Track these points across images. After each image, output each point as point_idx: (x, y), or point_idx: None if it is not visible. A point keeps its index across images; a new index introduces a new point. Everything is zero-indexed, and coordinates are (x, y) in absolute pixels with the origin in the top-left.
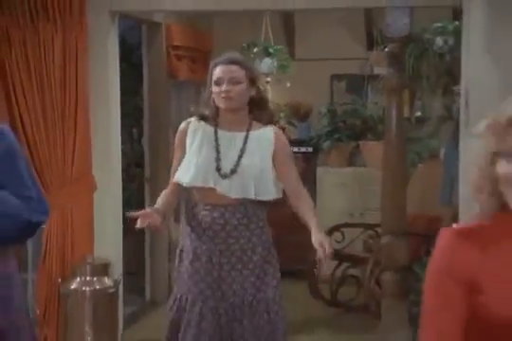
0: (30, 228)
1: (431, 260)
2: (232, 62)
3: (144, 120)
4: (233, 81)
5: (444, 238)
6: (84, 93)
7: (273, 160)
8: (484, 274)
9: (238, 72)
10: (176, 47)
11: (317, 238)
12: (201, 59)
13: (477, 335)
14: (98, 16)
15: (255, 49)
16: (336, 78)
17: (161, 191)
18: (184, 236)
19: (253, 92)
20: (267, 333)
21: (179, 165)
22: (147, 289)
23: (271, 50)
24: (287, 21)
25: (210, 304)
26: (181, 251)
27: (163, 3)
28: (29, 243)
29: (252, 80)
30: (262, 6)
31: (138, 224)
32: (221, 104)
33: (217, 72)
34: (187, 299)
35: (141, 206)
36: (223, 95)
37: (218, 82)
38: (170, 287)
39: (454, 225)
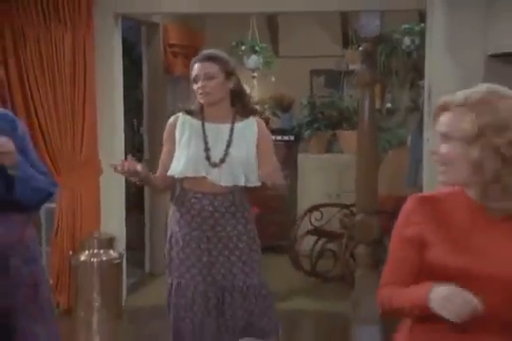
0: (48, 198)
1: (396, 224)
2: (206, 58)
3: (144, 112)
4: (207, 77)
5: (408, 202)
6: (92, 87)
7: (256, 148)
8: (436, 232)
9: (212, 67)
10: (172, 45)
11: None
12: (194, 55)
13: None
14: (103, 18)
15: (243, 47)
16: (315, 73)
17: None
18: (173, 222)
19: (231, 85)
20: (255, 314)
21: (168, 158)
22: (146, 262)
23: (257, 48)
24: (272, 22)
25: (200, 289)
26: (171, 237)
27: (162, 6)
28: (43, 220)
29: (228, 74)
30: (249, 9)
31: (116, 169)
32: (200, 100)
33: (194, 70)
34: (179, 284)
35: (141, 187)
36: (200, 91)
37: (195, 80)
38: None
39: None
